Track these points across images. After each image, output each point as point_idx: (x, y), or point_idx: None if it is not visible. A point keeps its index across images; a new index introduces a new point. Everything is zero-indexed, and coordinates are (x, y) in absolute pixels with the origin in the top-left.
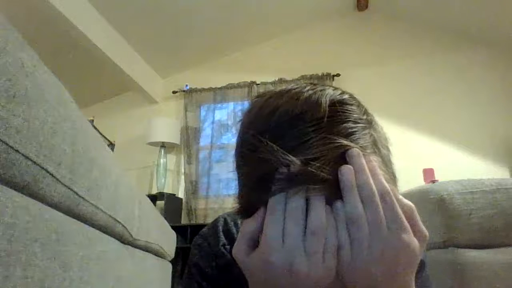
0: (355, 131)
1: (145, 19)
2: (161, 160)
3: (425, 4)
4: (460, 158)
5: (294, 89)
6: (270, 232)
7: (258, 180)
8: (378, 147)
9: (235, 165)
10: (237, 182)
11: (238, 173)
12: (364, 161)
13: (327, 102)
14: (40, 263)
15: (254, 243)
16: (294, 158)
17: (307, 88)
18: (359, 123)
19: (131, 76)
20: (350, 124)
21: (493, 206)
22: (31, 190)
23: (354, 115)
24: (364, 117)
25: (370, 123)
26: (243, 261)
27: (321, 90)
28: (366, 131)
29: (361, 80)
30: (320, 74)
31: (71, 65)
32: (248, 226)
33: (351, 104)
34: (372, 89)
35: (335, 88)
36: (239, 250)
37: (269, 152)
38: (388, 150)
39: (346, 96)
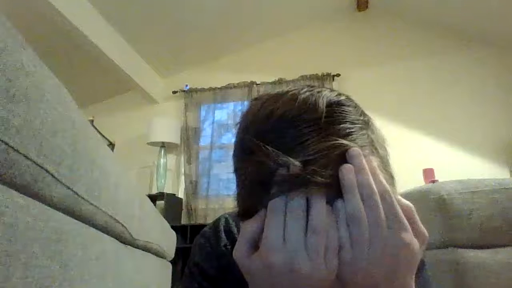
0: (353, 132)
1: (145, 19)
2: (161, 160)
3: (425, 4)
4: (460, 158)
5: (291, 91)
6: (271, 232)
7: (257, 184)
8: (376, 147)
9: (233, 168)
10: (236, 184)
11: (236, 176)
12: (364, 161)
13: (324, 104)
14: (40, 263)
15: (255, 245)
16: (293, 160)
17: (304, 90)
18: (356, 124)
19: (131, 76)
20: (348, 125)
21: (493, 206)
22: (31, 190)
23: (351, 116)
24: (361, 118)
25: (367, 124)
26: (244, 263)
27: (318, 92)
28: (364, 131)
29: (361, 80)
30: (320, 74)
31: (71, 65)
32: (248, 227)
33: (348, 106)
34: (372, 89)
35: (332, 90)
36: (239, 252)
37: (267, 155)
38: (386, 151)
39: (342, 98)
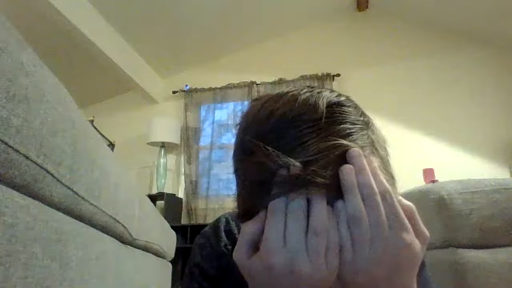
0: (353, 132)
1: (145, 19)
2: (161, 160)
3: (425, 4)
4: (460, 158)
5: (291, 92)
6: (271, 233)
7: (257, 184)
8: (376, 148)
9: (233, 168)
10: (236, 185)
11: (236, 177)
12: (365, 161)
13: (325, 104)
14: (40, 263)
15: (255, 246)
16: (293, 161)
17: (304, 91)
18: (356, 124)
19: (131, 76)
20: (348, 125)
21: (493, 206)
22: (31, 190)
23: (352, 117)
24: (361, 118)
25: (367, 124)
26: (244, 265)
27: (318, 93)
28: (364, 132)
29: (361, 80)
30: (320, 74)
31: (71, 65)
32: (248, 229)
33: (348, 106)
34: (372, 89)
35: (332, 91)
36: (239, 254)
37: (267, 155)
38: (386, 151)
39: (343, 98)
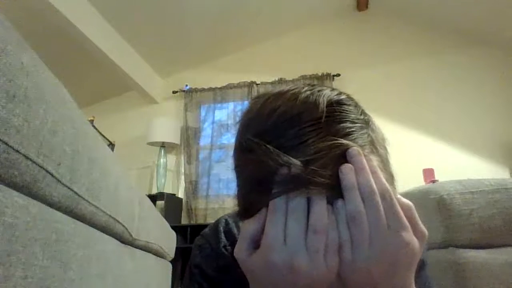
0: (353, 131)
1: (146, 19)
2: (161, 160)
3: (425, 4)
4: (460, 158)
5: (292, 90)
6: (271, 231)
7: (257, 183)
8: (376, 147)
9: (233, 166)
10: (236, 183)
11: (236, 174)
12: (364, 160)
13: (325, 103)
14: (40, 263)
15: (256, 244)
16: (294, 160)
17: (305, 89)
18: (356, 123)
19: (131, 76)
20: (348, 124)
21: (493, 206)
22: (31, 190)
23: (352, 115)
24: (362, 117)
25: (367, 123)
26: (245, 262)
27: (318, 91)
28: (364, 131)
29: (361, 80)
30: (320, 74)
31: (71, 65)
32: (249, 226)
33: (349, 105)
34: (372, 89)
35: (333, 89)
36: (240, 251)
37: (266, 154)
38: (386, 150)
39: (343, 97)
